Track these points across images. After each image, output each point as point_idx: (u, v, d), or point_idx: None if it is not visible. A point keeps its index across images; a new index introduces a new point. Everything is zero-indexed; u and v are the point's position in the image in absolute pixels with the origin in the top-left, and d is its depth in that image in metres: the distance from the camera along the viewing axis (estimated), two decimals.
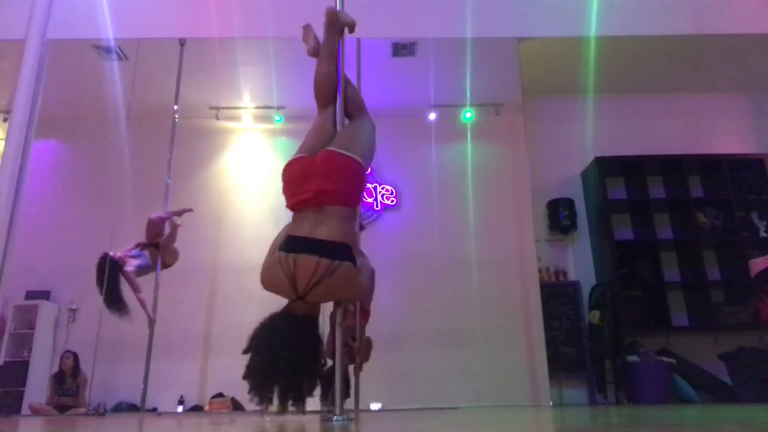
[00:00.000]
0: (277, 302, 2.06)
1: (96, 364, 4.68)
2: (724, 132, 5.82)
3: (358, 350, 2.89)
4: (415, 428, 1.69)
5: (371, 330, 3.10)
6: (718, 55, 5.32)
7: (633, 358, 4.76)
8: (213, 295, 5.07)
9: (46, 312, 4.96)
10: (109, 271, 4.05)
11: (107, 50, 4.94)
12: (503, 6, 4.94)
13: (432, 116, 5.59)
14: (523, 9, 4.95)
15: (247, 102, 5.52)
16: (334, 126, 2.33)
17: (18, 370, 4.75)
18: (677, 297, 5.24)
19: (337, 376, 2.13)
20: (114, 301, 4.05)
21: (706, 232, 5.25)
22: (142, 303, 4.16)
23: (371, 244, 3.80)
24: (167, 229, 4.38)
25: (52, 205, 5.27)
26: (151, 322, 4.26)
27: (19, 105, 4.41)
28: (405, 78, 5.45)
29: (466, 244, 5.15)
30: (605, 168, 5.41)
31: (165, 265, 4.37)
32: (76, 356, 4.67)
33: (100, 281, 4.09)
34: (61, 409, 4.49)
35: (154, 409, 4.57)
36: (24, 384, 4.70)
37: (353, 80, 4.00)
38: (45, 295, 5.00)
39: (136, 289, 4.12)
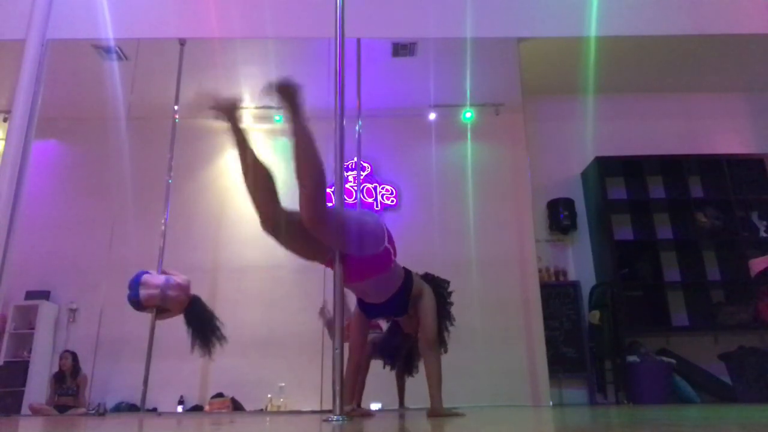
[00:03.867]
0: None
1: (96, 364, 4.68)
2: (724, 132, 5.81)
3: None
4: (415, 428, 1.69)
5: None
6: (718, 55, 5.32)
7: (633, 358, 4.76)
8: (213, 295, 5.06)
9: (46, 312, 4.96)
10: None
11: (107, 50, 4.94)
12: (503, 6, 4.94)
13: (432, 116, 5.59)
14: (523, 9, 4.94)
15: (247, 102, 5.51)
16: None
17: (18, 370, 4.75)
18: (677, 297, 5.24)
19: (335, 376, 2.12)
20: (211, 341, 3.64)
21: (706, 232, 5.25)
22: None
23: None
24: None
25: (52, 205, 5.27)
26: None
27: (19, 105, 4.40)
28: (405, 78, 5.44)
29: (466, 244, 5.15)
30: (605, 168, 5.40)
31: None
32: (74, 356, 4.67)
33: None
34: (61, 409, 4.49)
35: (154, 409, 4.57)
36: (24, 384, 4.71)
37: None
38: (45, 295, 5.01)
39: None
